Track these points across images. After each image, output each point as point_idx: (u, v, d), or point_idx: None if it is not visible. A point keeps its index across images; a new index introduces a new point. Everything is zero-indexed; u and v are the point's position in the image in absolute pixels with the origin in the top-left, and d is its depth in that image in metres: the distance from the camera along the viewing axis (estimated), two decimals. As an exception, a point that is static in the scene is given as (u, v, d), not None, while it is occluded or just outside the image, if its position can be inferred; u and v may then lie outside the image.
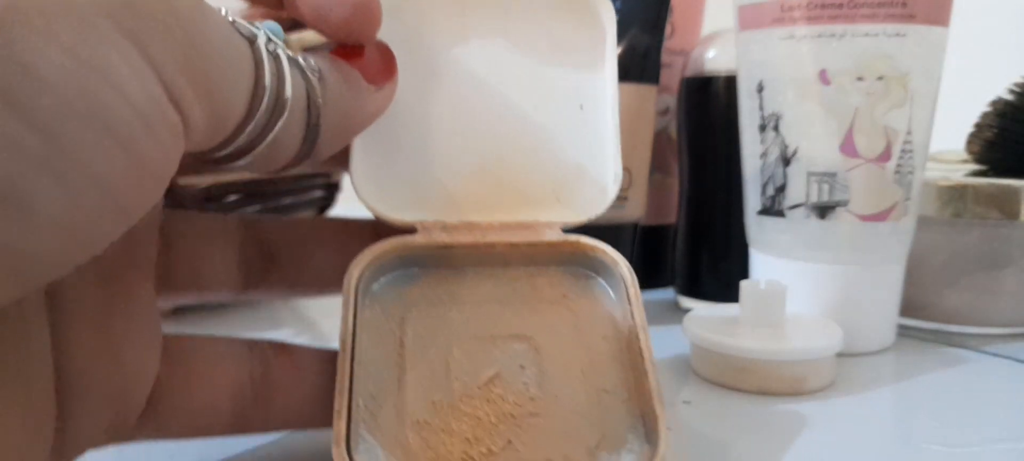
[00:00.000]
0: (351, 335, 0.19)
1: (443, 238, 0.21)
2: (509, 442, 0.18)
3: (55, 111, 0.12)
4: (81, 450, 0.17)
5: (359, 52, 0.19)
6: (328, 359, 0.21)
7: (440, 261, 0.21)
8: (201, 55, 0.14)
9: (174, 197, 0.32)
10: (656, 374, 0.19)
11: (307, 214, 0.41)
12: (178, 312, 0.36)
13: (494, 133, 0.22)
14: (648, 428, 0.19)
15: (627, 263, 0.21)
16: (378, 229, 0.22)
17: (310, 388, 0.20)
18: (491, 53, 0.22)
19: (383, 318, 0.20)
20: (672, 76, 0.42)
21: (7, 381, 0.15)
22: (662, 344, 0.33)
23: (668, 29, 0.39)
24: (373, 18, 0.19)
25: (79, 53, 0.12)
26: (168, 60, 0.13)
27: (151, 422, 0.19)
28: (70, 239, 0.12)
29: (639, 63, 0.37)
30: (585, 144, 0.23)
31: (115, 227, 0.13)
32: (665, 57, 0.39)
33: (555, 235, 0.22)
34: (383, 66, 0.20)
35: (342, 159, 0.21)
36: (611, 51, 0.23)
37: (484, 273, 0.22)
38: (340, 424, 0.17)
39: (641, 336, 0.20)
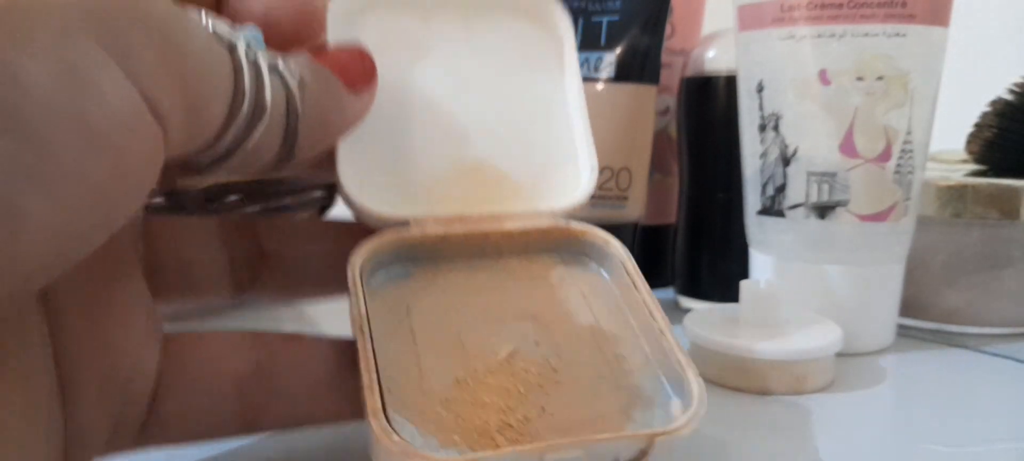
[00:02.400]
0: (366, 317, 0.19)
1: (437, 230, 0.21)
2: (543, 409, 0.18)
3: (42, 123, 0.12)
4: (88, 457, 0.17)
5: (338, 56, 0.20)
6: (337, 346, 0.20)
7: (434, 255, 0.22)
8: (180, 63, 0.14)
9: (176, 199, 0.32)
10: (672, 332, 0.20)
11: (307, 215, 0.41)
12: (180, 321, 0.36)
13: (467, 136, 0.23)
14: (674, 383, 0.19)
15: (618, 241, 0.22)
16: (370, 231, 0.22)
17: (320, 374, 0.20)
18: (457, 62, 0.23)
19: (387, 310, 0.20)
20: (672, 76, 0.42)
21: (9, 376, 0.15)
22: (662, 344, 0.33)
23: (668, 29, 0.39)
24: (318, 19, 0.20)
25: (63, 66, 0.12)
26: (147, 69, 0.14)
27: (156, 422, 0.19)
28: (58, 245, 0.13)
29: (639, 63, 0.37)
30: (557, 143, 0.24)
31: (101, 232, 0.14)
32: (665, 57, 0.39)
33: (545, 221, 0.22)
34: (362, 72, 0.20)
35: (326, 165, 0.22)
36: (570, 57, 0.24)
37: (478, 265, 0.22)
38: (374, 398, 0.17)
39: (648, 300, 0.20)
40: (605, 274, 0.22)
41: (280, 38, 0.19)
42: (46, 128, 0.12)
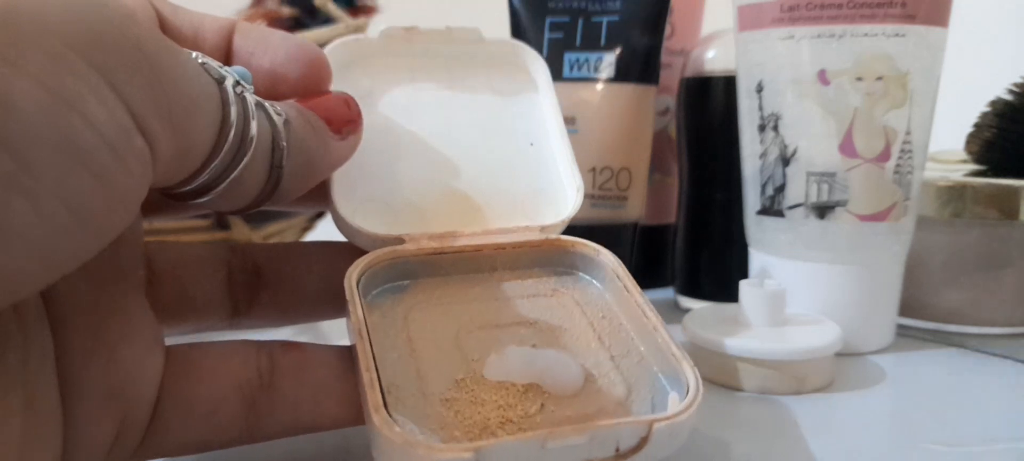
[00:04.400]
0: (363, 321, 0.19)
1: (432, 245, 0.22)
2: (542, 406, 0.19)
3: (25, 136, 0.12)
4: None
5: (325, 102, 0.20)
6: (338, 353, 0.21)
7: (429, 270, 0.22)
8: (168, 89, 0.15)
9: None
10: (665, 328, 0.20)
11: (298, 229, 0.40)
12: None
13: (456, 167, 0.25)
14: (671, 377, 0.20)
15: (607, 250, 0.23)
16: (365, 252, 0.22)
17: (321, 379, 0.20)
18: (442, 104, 0.25)
19: (385, 320, 0.21)
20: (672, 76, 0.42)
21: (6, 378, 0.15)
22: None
23: (668, 29, 0.39)
24: (325, 72, 0.21)
25: (48, 83, 0.12)
26: (135, 92, 0.14)
27: (159, 431, 0.19)
28: (40, 256, 0.13)
29: (639, 63, 0.37)
30: (542, 172, 0.25)
31: (85, 247, 0.14)
32: (665, 57, 0.39)
33: (536, 235, 0.23)
34: (348, 117, 0.21)
35: (316, 199, 0.22)
36: (546, 96, 0.26)
37: (472, 279, 0.22)
38: (375, 393, 0.17)
39: (640, 300, 0.21)
40: (597, 283, 0.23)
41: (289, 90, 0.20)
42: (30, 142, 0.12)
